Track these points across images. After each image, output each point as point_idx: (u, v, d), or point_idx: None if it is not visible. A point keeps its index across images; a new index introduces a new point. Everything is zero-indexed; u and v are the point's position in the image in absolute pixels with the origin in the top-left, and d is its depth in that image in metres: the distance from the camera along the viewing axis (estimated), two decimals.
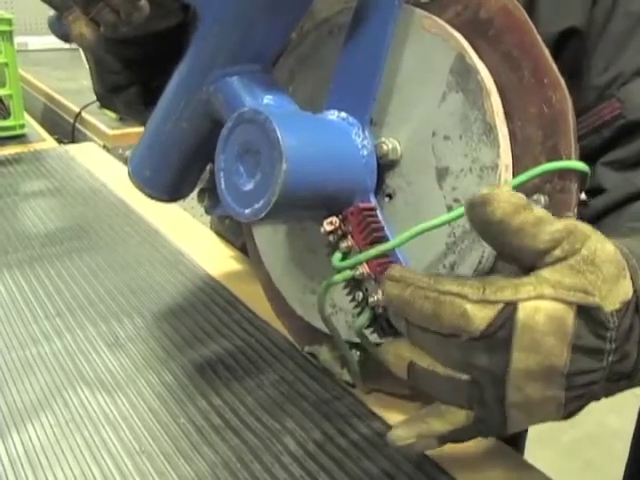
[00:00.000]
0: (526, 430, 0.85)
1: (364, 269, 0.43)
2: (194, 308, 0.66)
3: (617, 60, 0.52)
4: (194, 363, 0.58)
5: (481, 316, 0.34)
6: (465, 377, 0.36)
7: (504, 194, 0.34)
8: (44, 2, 0.54)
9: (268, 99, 0.47)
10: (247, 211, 0.43)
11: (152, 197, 0.56)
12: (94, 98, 0.73)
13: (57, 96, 1.67)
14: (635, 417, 0.69)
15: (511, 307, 0.33)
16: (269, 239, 0.59)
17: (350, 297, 0.45)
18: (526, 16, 0.45)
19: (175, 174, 0.55)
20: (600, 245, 0.34)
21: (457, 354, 0.36)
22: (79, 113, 1.51)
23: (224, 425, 0.50)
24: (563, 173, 0.42)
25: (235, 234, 0.80)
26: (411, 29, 0.47)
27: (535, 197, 0.43)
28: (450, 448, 0.49)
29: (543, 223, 0.34)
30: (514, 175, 0.44)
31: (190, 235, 0.84)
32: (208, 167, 0.56)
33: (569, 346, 0.33)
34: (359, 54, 0.47)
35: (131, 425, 0.50)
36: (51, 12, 0.54)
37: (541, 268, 0.34)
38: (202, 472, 0.46)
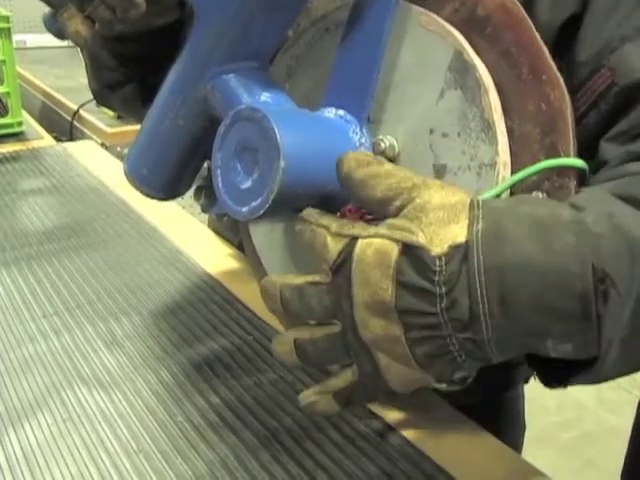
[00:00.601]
0: (524, 429, 0.85)
1: None
2: (192, 306, 0.66)
3: (604, 30, 0.50)
4: (192, 361, 0.58)
5: (334, 247, 0.38)
6: (337, 329, 0.39)
7: (352, 152, 0.40)
8: None
9: (265, 96, 0.47)
10: (244, 209, 0.43)
11: (149, 196, 0.56)
12: (92, 96, 0.73)
13: (55, 94, 1.67)
14: (633, 415, 0.69)
15: (353, 242, 0.37)
16: (266, 237, 0.59)
17: None
18: (524, 13, 0.45)
19: (172, 172, 0.54)
20: (435, 193, 0.36)
21: (327, 301, 0.39)
22: (77, 111, 1.51)
23: (222, 423, 0.50)
24: (562, 170, 0.42)
25: (233, 232, 0.80)
26: (409, 26, 0.47)
27: (534, 194, 0.43)
28: (448, 447, 0.49)
29: (384, 176, 0.38)
30: (512, 172, 0.44)
31: (188, 233, 0.83)
32: (205, 165, 0.56)
33: (393, 280, 0.35)
34: (356, 51, 0.47)
35: (128, 423, 0.50)
36: (47, 9, 0.54)
37: (388, 218, 0.37)
38: (200, 471, 0.46)
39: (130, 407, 0.52)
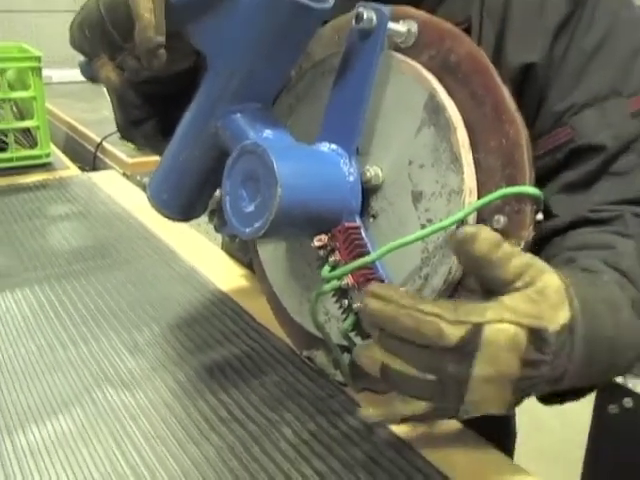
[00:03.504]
0: (514, 437, 0.91)
1: (349, 280, 0.50)
2: (205, 318, 0.74)
3: (571, 92, 0.59)
4: (204, 365, 0.65)
5: (454, 333, 0.41)
6: (431, 377, 0.43)
7: (481, 231, 0.42)
8: (75, 49, 0.62)
9: (267, 133, 0.55)
10: (248, 230, 0.50)
11: (168, 217, 0.63)
12: (114, 129, 0.81)
13: (80, 127, 1.77)
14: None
15: (478, 327, 0.41)
16: (271, 255, 0.67)
17: (338, 305, 0.52)
18: (488, 61, 0.52)
19: (188, 197, 0.62)
20: (550, 278, 0.43)
21: (429, 361, 0.43)
22: (100, 143, 1.60)
23: (230, 417, 0.57)
24: (519, 197, 0.49)
25: (243, 253, 0.88)
26: (391, 71, 0.55)
27: (496, 217, 0.50)
28: (433, 441, 0.56)
29: (511, 257, 0.42)
30: (478, 198, 0.51)
31: (202, 254, 0.91)
32: (217, 192, 0.63)
33: (521, 360, 0.42)
34: (346, 93, 0.55)
35: (148, 416, 0.57)
36: (81, 57, 0.62)
37: (503, 295, 0.42)
38: (210, 455, 0.53)
39: (150, 403, 0.59)
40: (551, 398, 0.53)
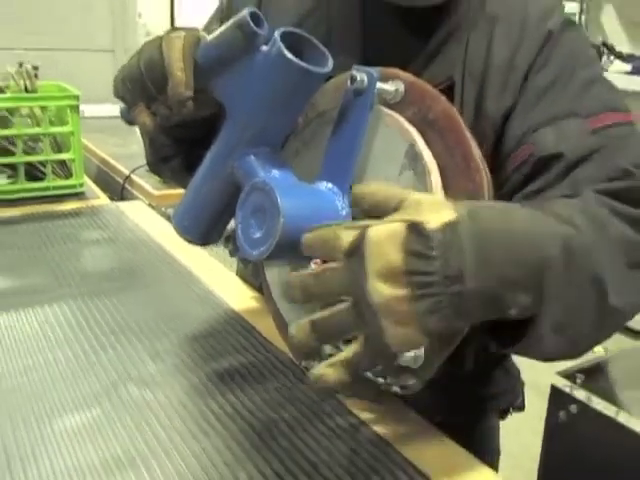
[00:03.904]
0: (498, 454, 0.99)
1: None
2: (218, 332, 0.84)
3: (529, 117, 0.69)
4: (216, 371, 0.75)
5: (347, 236, 0.51)
6: (347, 304, 0.51)
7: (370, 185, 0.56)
8: (118, 98, 0.73)
9: (275, 173, 0.65)
10: (255, 252, 0.60)
11: (189, 241, 0.74)
12: (142, 163, 0.93)
13: (110, 160, 1.90)
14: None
15: (365, 229, 0.50)
16: (277, 277, 0.77)
17: None
18: (460, 119, 0.63)
19: (207, 225, 0.73)
20: (423, 195, 0.53)
21: (338, 279, 0.51)
22: (129, 176, 1.73)
23: (236, 415, 0.67)
24: None
25: (255, 277, 0.98)
26: (379, 123, 0.65)
27: None
28: (413, 443, 0.65)
29: (384, 189, 0.55)
30: None
31: (218, 277, 1.01)
32: (232, 221, 0.74)
33: (403, 250, 0.48)
34: (341, 141, 0.65)
35: (166, 410, 0.67)
36: (122, 105, 0.73)
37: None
38: (217, 443, 0.62)
39: (167, 399, 0.69)
40: (506, 338, 0.56)
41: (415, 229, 0.48)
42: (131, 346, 0.80)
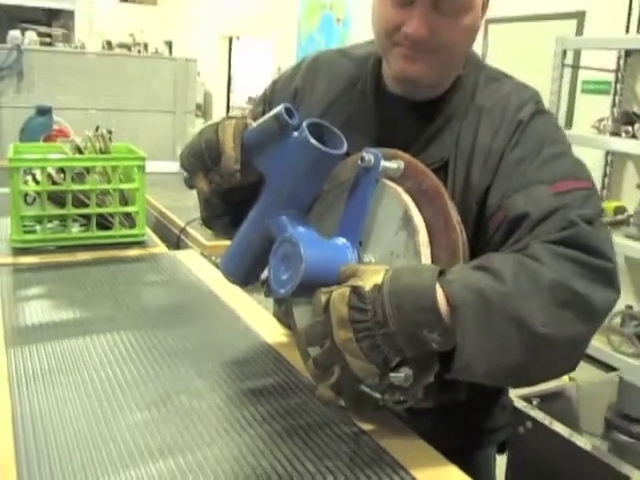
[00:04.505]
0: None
1: None
2: (252, 359, 1.01)
3: (504, 187, 0.85)
4: (249, 388, 0.92)
5: (323, 300, 0.73)
6: (325, 343, 0.73)
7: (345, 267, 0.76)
8: (182, 168, 0.94)
9: (301, 229, 0.84)
10: (282, 290, 0.79)
11: (233, 282, 0.93)
12: (195, 216, 1.11)
13: (167, 212, 2.12)
14: None
15: (331, 292, 0.73)
16: (302, 316, 0.94)
17: None
18: (444, 191, 0.81)
19: (248, 269, 0.92)
20: (367, 266, 0.76)
21: (322, 328, 0.73)
22: (184, 227, 1.94)
23: (262, 420, 0.84)
24: None
25: (286, 317, 1.15)
26: (383, 193, 0.83)
27: None
28: (408, 448, 0.80)
29: (349, 269, 0.76)
30: None
31: (256, 316, 1.20)
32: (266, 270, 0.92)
33: (348, 306, 0.71)
34: (354, 206, 0.84)
35: (208, 415, 0.85)
36: (186, 173, 0.94)
37: None
38: (246, 440, 0.79)
39: (208, 407, 0.87)
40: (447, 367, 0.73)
41: (355, 291, 0.71)
42: (182, 366, 0.98)
